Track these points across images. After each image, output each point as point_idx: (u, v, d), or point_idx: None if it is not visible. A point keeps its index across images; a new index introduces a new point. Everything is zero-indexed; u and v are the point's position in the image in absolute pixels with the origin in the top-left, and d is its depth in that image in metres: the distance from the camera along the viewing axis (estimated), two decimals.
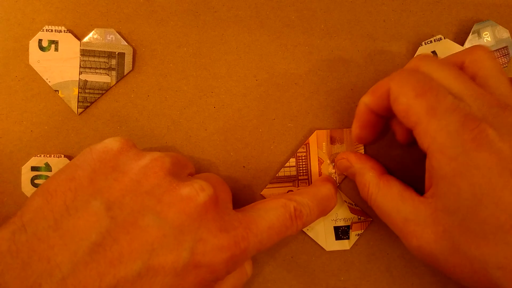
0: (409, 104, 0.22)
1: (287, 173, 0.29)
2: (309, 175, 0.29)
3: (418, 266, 0.29)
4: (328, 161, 0.29)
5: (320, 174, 0.29)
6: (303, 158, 0.29)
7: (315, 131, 0.29)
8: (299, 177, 0.29)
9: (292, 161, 0.29)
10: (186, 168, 0.25)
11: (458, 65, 0.25)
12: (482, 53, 0.24)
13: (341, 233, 0.29)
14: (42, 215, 0.19)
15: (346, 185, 0.30)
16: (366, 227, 0.29)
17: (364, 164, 0.27)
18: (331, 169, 0.29)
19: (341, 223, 0.29)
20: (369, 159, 0.28)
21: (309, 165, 0.29)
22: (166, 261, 0.19)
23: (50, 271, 0.18)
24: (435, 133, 0.21)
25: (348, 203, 0.29)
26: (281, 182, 0.29)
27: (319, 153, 0.29)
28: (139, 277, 0.19)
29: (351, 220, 0.29)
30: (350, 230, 0.29)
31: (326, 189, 0.27)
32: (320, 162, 0.29)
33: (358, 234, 0.29)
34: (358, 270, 0.29)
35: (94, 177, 0.21)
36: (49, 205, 0.20)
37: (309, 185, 0.29)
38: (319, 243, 0.29)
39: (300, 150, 0.29)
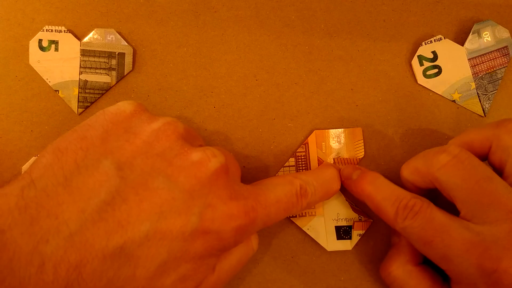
0: None
1: (287, 173, 0.29)
2: None
3: None
4: (328, 162, 0.29)
5: None
6: (302, 157, 0.29)
7: (314, 131, 0.29)
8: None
9: (292, 161, 0.29)
10: (197, 140, 0.25)
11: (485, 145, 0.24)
12: None
13: (342, 232, 0.29)
14: (52, 172, 0.19)
15: None
16: (367, 227, 0.29)
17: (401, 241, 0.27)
18: None
19: (342, 223, 0.29)
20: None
21: (308, 164, 0.29)
22: (175, 225, 0.19)
23: (58, 227, 0.17)
24: None
25: (349, 203, 0.29)
26: None
27: (318, 153, 0.29)
28: (146, 239, 0.19)
29: (352, 220, 0.29)
30: (352, 229, 0.29)
31: (329, 172, 0.27)
32: (320, 161, 0.29)
33: (360, 234, 0.29)
34: (358, 270, 0.29)
35: (106, 137, 0.21)
36: (59, 163, 0.19)
37: None
38: (319, 243, 0.29)
39: (300, 150, 0.29)
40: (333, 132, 0.30)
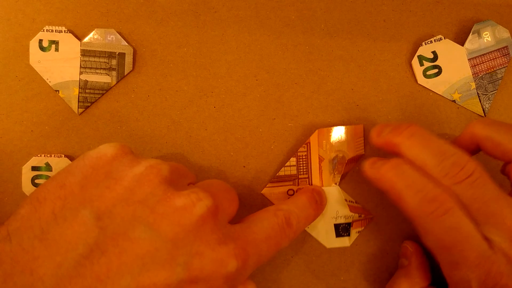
0: None
1: (288, 172, 0.29)
2: (310, 173, 0.29)
3: None
4: (329, 159, 0.29)
5: (320, 172, 0.29)
6: (303, 157, 0.29)
7: (317, 130, 0.29)
8: (300, 176, 0.29)
9: (293, 161, 0.29)
10: (186, 177, 0.24)
11: None
12: None
13: (341, 230, 0.29)
14: (29, 224, 0.18)
15: (347, 184, 0.30)
16: (367, 223, 0.29)
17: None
18: (331, 168, 0.29)
19: (341, 221, 0.29)
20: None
21: (309, 163, 0.29)
22: (158, 278, 0.18)
23: (33, 284, 0.17)
24: None
25: (349, 201, 0.29)
26: (282, 181, 0.29)
27: (319, 151, 0.29)
28: None
29: (352, 218, 0.29)
30: (351, 227, 0.29)
31: (304, 197, 0.27)
32: (321, 160, 0.29)
33: (359, 231, 0.29)
34: (358, 270, 0.29)
35: (85, 184, 0.20)
36: (36, 214, 0.19)
37: (309, 183, 0.29)
38: (319, 240, 0.29)
39: (301, 149, 0.29)
40: (335, 129, 0.30)
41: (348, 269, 0.29)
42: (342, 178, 0.30)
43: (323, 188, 0.29)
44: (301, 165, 0.29)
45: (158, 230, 0.19)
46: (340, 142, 0.29)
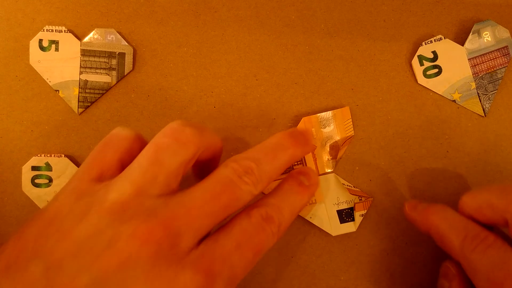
0: None
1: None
2: (304, 163, 0.29)
3: (418, 266, 0.29)
4: (321, 145, 0.29)
5: (315, 160, 0.29)
6: None
7: (302, 119, 0.29)
8: (294, 167, 0.29)
9: None
10: (170, 183, 0.21)
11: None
12: None
13: (345, 215, 0.29)
14: None
15: (342, 169, 0.30)
16: (369, 206, 0.29)
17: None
18: (324, 154, 0.29)
19: (343, 206, 0.29)
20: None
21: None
22: None
23: None
24: None
25: (347, 185, 0.29)
26: None
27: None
28: None
29: (353, 201, 0.29)
30: (354, 211, 0.29)
31: (285, 184, 0.24)
32: (312, 148, 0.29)
33: (362, 215, 0.29)
34: (358, 270, 0.29)
35: (38, 239, 0.21)
36: None
37: None
38: (324, 229, 0.29)
39: None
40: (321, 115, 0.30)
41: (348, 269, 0.29)
42: (337, 163, 0.30)
43: (319, 177, 0.29)
44: None
45: (104, 277, 0.19)
46: (329, 127, 0.29)
